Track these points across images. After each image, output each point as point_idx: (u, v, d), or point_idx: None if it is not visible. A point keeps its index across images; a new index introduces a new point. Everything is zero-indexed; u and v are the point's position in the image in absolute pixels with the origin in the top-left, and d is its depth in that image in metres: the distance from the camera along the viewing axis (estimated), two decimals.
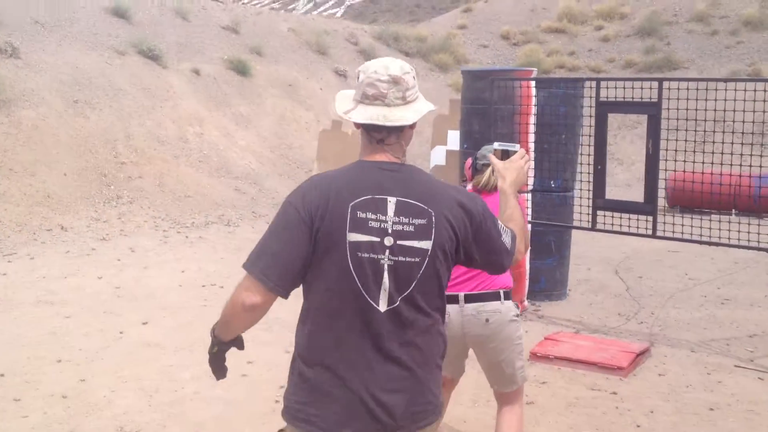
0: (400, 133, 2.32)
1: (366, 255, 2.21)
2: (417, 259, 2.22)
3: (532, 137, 6.95)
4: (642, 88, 6.20)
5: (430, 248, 2.23)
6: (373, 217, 2.21)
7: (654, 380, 5.50)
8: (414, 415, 2.27)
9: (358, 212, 2.21)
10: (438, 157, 8.37)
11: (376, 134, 2.29)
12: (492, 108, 6.79)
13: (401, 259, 2.21)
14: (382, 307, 2.22)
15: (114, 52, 14.47)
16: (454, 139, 8.26)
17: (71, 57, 13.51)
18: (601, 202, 6.25)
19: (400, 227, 2.22)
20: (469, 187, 3.90)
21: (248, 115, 15.70)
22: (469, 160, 4.02)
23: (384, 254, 2.21)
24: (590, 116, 6.28)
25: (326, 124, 16.69)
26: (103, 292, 7.52)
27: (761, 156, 9.38)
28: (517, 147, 2.86)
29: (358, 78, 2.33)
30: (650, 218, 6.11)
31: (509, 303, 3.77)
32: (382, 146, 2.30)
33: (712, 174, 6.73)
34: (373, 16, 39.47)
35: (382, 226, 2.21)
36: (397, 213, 2.22)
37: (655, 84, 5.94)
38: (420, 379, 2.28)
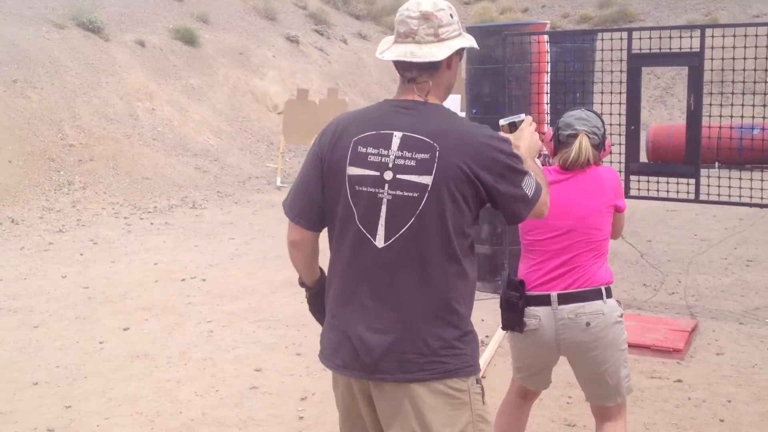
0: (433, 71, 2.25)
1: (364, 189, 2.22)
2: (415, 194, 2.18)
3: (547, 98, 6.28)
4: (663, 38, 5.57)
5: (430, 183, 2.16)
6: (374, 151, 2.22)
7: (715, 361, 4.93)
8: (403, 365, 2.19)
9: (360, 147, 2.24)
10: None
11: (407, 73, 2.27)
12: (505, 67, 6.08)
13: (399, 193, 2.19)
14: (379, 242, 2.21)
15: (52, 25, 13.30)
16: (451, 104, 7.50)
17: (6, 33, 12.33)
18: (635, 166, 5.61)
19: (401, 161, 2.20)
20: (555, 164, 3.19)
21: (200, 87, 14.70)
22: (550, 131, 3.31)
23: (383, 188, 2.20)
24: (621, 71, 5.60)
25: (281, 92, 15.82)
26: (71, 294, 6.64)
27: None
28: (522, 116, 2.75)
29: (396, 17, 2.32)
30: (692, 181, 5.50)
31: (612, 302, 3.11)
32: (411, 85, 2.26)
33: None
34: None
35: (383, 160, 2.21)
36: (401, 147, 2.20)
37: (696, 33, 5.28)
38: (410, 325, 2.20)
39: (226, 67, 15.74)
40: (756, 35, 5.36)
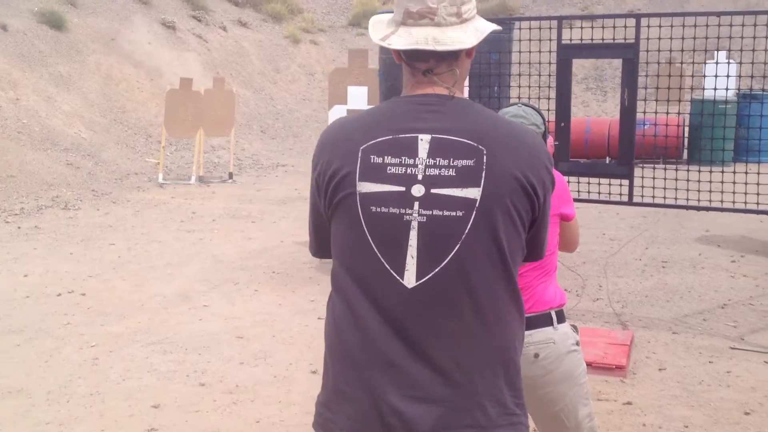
0: (453, 60, 1.78)
1: (384, 210, 1.70)
2: (460, 213, 1.68)
3: (466, 92, 5.82)
4: (592, 28, 5.23)
5: (478, 198, 1.67)
6: (395, 160, 1.71)
7: (659, 378, 4.60)
8: None
9: (373, 156, 1.72)
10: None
11: (421, 64, 1.78)
12: None
13: (437, 213, 1.68)
14: (409, 281, 1.68)
15: None
16: (356, 96, 6.98)
17: None
18: (566, 165, 5.23)
19: (435, 171, 1.69)
20: None
21: (69, 75, 13.53)
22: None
23: (412, 208, 1.69)
24: (549, 63, 5.19)
25: (160, 81, 14.81)
26: None
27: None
28: None
29: None
30: (625, 182, 5.17)
31: (565, 327, 2.69)
32: (429, 78, 1.77)
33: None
34: None
35: (410, 171, 1.70)
36: (432, 154, 1.70)
37: (631, 23, 4.94)
38: (465, 389, 1.68)
39: (97, 54, 14.58)
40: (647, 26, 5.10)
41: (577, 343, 2.74)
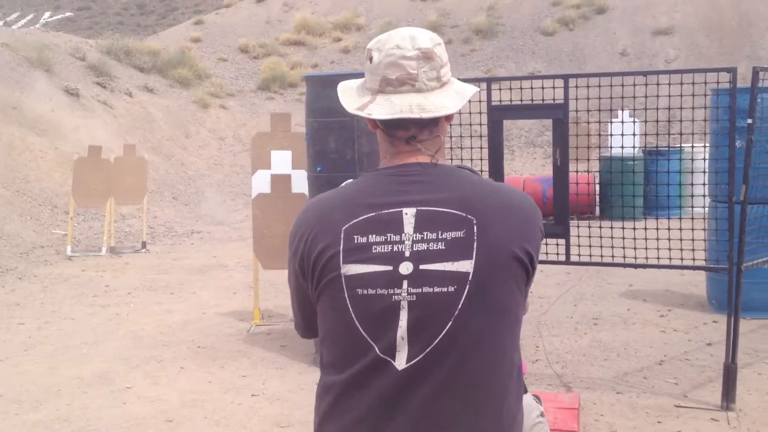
0: (434, 126, 1.75)
1: (371, 291, 1.64)
2: (452, 288, 1.61)
3: None
4: (522, 89, 5.24)
5: (471, 270, 1.61)
6: (380, 238, 1.65)
7: None
8: None
9: (356, 237, 1.66)
10: (261, 183, 6.85)
11: (401, 132, 1.73)
12: (354, 121, 5.47)
13: (427, 290, 1.62)
14: (400, 362, 1.61)
15: None
16: (280, 161, 6.81)
17: None
18: None
19: (423, 246, 1.64)
20: None
21: None
22: None
23: (401, 287, 1.62)
24: (480, 124, 5.16)
25: (64, 150, 14.27)
26: None
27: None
28: None
29: (371, 59, 1.74)
30: (562, 241, 5.14)
31: (528, 398, 2.54)
32: (413, 146, 1.73)
33: None
34: (88, 32, 36.08)
35: (396, 248, 1.64)
36: (418, 228, 1.65)
37: (559, 83, 4.96)
38: None
39: None
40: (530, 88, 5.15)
41: (542, 414, 2.60)
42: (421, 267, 1.63)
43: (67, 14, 45.36)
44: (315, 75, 7.29)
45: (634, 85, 5.55)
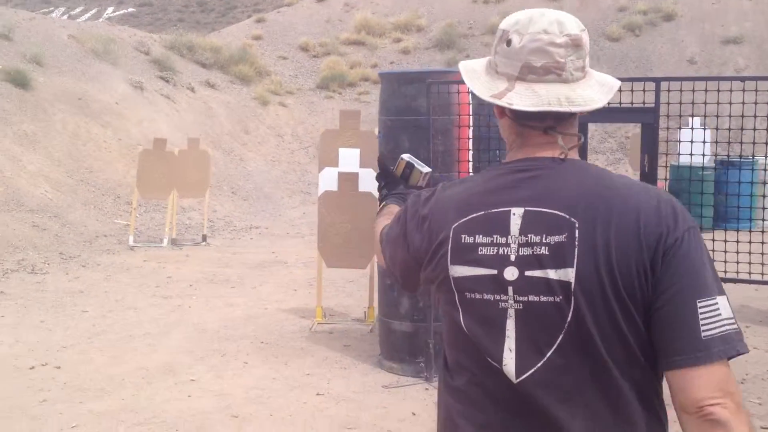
0: (573, 120, 1.60)
1: (477, 296, 1.53)
2: (558, 299, 1.46)
3: (471, 155, 5.61)
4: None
5: (573, 280, 1.45)
6: (487, 240, 1.53)
7: None
8: None
9: (464, 236, 1.55)
10: (328, 181, 6.75)
11: (537, 123, 1.57)
12: (430, 119, 5.34)
13: (533, 299, 1.48)
14: (511, 374, 1.50)
15: None
16: (348, 158, 6.70)
17: None
18: None
19: (528, 251, 1.49)
20: None
21: (35, 134, 13.08)
22: None
23: (507, 294, 1.50)
24: None
25: (128, 142, 14.41)
26: None
27: None
28: (428, 169, 2.23)
29: (509, 42, 1.57)
30: None
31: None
32: (552, 136, 1.56)
33: None
34: (149, 28, 36.62)
35: (502, 251, 1.51)
36: (524, 230, 1.51)
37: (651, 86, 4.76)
38: None
39: (63, 113, 14.17)
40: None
41: None
42: (526, 273, 1.51)
43: (130, 10, 46.17)
44: (391, 72, 7.18)
45: (706, 90, 5.35)
